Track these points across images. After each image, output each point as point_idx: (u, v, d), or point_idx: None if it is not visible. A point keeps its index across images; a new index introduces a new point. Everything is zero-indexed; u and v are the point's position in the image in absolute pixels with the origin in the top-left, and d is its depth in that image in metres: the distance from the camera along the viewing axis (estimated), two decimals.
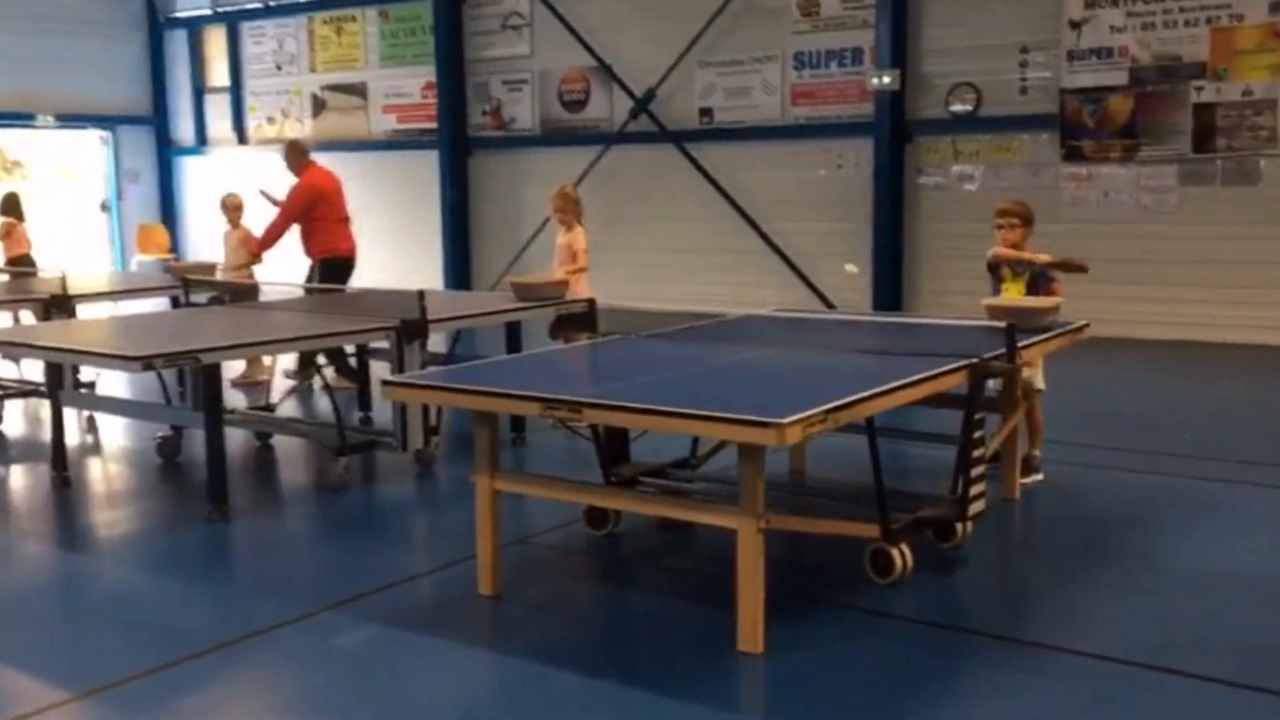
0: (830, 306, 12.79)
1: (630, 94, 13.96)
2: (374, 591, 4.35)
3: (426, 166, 15.77)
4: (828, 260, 12.84)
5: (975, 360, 4.35)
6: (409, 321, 5.70)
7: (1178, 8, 10.44)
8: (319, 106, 16.94)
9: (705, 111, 13.56)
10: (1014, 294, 5.93)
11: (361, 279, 14.99)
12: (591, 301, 6.96)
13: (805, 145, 12.90)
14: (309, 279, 8.62)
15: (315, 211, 8.63)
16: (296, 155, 8.96)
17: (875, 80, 11.98)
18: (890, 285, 12.34)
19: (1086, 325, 5.61)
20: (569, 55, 14.51)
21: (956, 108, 11.91)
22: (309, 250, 8.75)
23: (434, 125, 15.65)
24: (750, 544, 3.57)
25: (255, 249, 8.81)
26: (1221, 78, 10.31)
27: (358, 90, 16.54)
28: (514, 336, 6.76)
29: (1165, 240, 10.92)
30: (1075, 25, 10.98)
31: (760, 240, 13.20)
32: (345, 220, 8.95)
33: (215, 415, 5.20)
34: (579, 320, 7.04)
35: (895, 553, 4.11)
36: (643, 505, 4.09)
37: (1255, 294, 10.52)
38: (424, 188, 15.85)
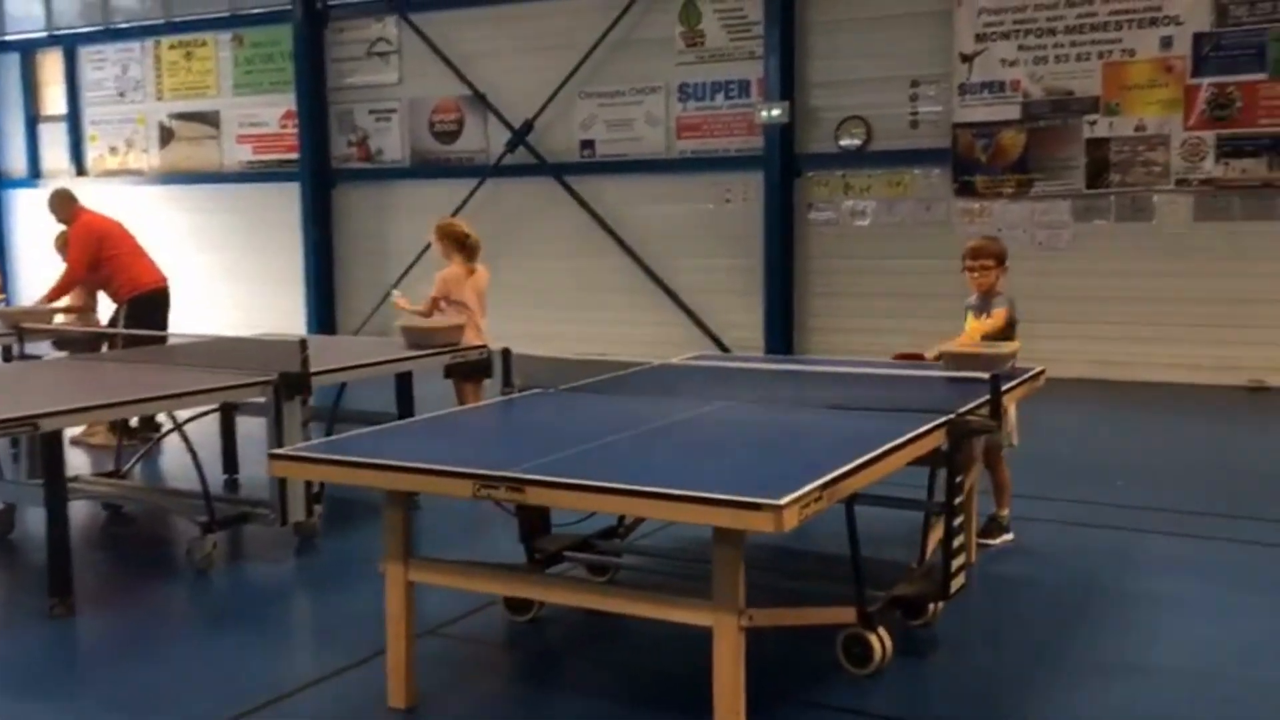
0: (722, 347, 12.33)
1: (507, 125, 13.32)
2: (258, 709, 3.57)
3: (286, 200, 14.78)
4: (717, 297, 12.41)
5: (955, 416, 3.84)
6: (289, 374, 4.92)
7: (1069, 42, 10.37)
8: (167, 136, 15.76)
9: (586, 144, 13.01)
10: (978, 333, 5.46)
11: (216, 323, 13.97)
12: (482, 348, 6.30)
13: (692, 179, 12.46)
14: (113, 323, 7.80)
15: (104, 251, 8.00)
16: (65, 203, 8.38)
17: (764, 113, 11.62)
18: (782, 323, 11.95)
19: (1043, 372, 5.18)
20: (441, 84, 13.79)
21: (846, 142, 11.64)
22: (114, 294, 8.09)
23: (294, 156, 14.69)
24: (730, 645, 2.98)
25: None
26: (1114, 113, 10.27)
27: (209, 119, 15.46)
28: (405, 389, 6.01)
29: (1059, 276, 10.80)
30: (966, 59, 10.83)
31: (646, 277, 12.68)
32: (142, 252, 8.17)
33: (57, 491, 4.32)
34: (475, 368, 6.37)
35: (874, 639, 3.56)
36: (597, 599, 3.42)
37: (1152, 330, 10.46)
38: (284, 223, 14.84)
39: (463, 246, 6.85)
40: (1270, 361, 10.01)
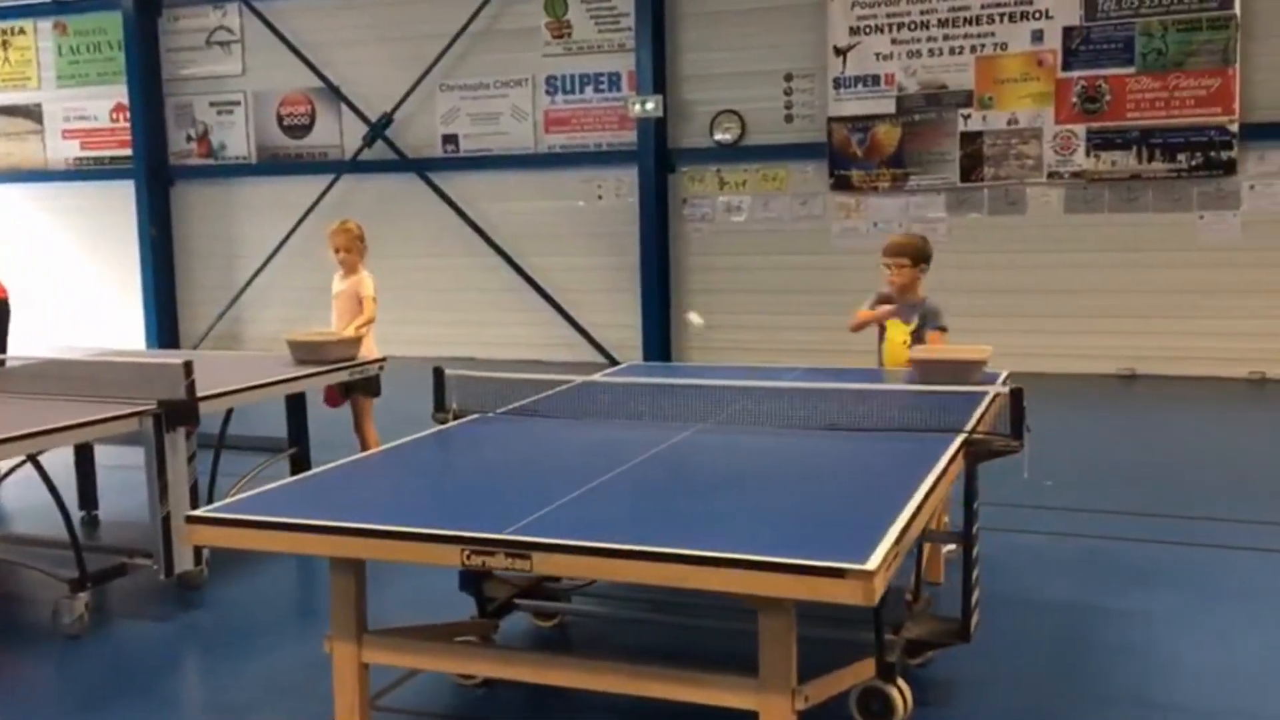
0: (598, 347, 11.97)
1: (364, 118, 12.62)
2: None
3: (120, 199, 13.71)
4: (592, 296, 12.03)
5: (972, 436, 3.49)
6: (172, 402, 4.31)
7: (943, 35, 10.37)
8: None
9: (449, 138, 12.43)
10: (901, 337, 5.24)
11: (44, 338, 12.83)
12: (383, 361, 5.76)
13: (562, 175, 12.03)
14: None
15: None
16: None
17: (638, 106, 11.28)
18: (659, 321, 11.65)
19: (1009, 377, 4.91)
20: (289, 75, 12.97)
21: (720, 136, 11.41)
22: None
23: (128, 152, 13.63)
24: None
25: None
26: (988, 106, 10.32)
27: (31, 113, 14.21)
28: (298, 412, 5.43)
29: (935, 270, 10.73)
30: (840, 52, 10.73)
31: (518, 277, 12.20)
32: None
33: None
34: (368, 386, 5.83)
35: (895, 693, 3.19)
36: (619, 680, 2.79)
37: (1025, 322, 10.55)
38: (118, 224, 13.77)
39: (363, 248, 6.30)
40: (1141, 350, 10.23)
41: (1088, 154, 10.09)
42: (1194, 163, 9.79)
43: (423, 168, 12.46)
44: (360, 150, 12.68)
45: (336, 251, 6.31)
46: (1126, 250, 10.17)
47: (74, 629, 4.27)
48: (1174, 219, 10.03)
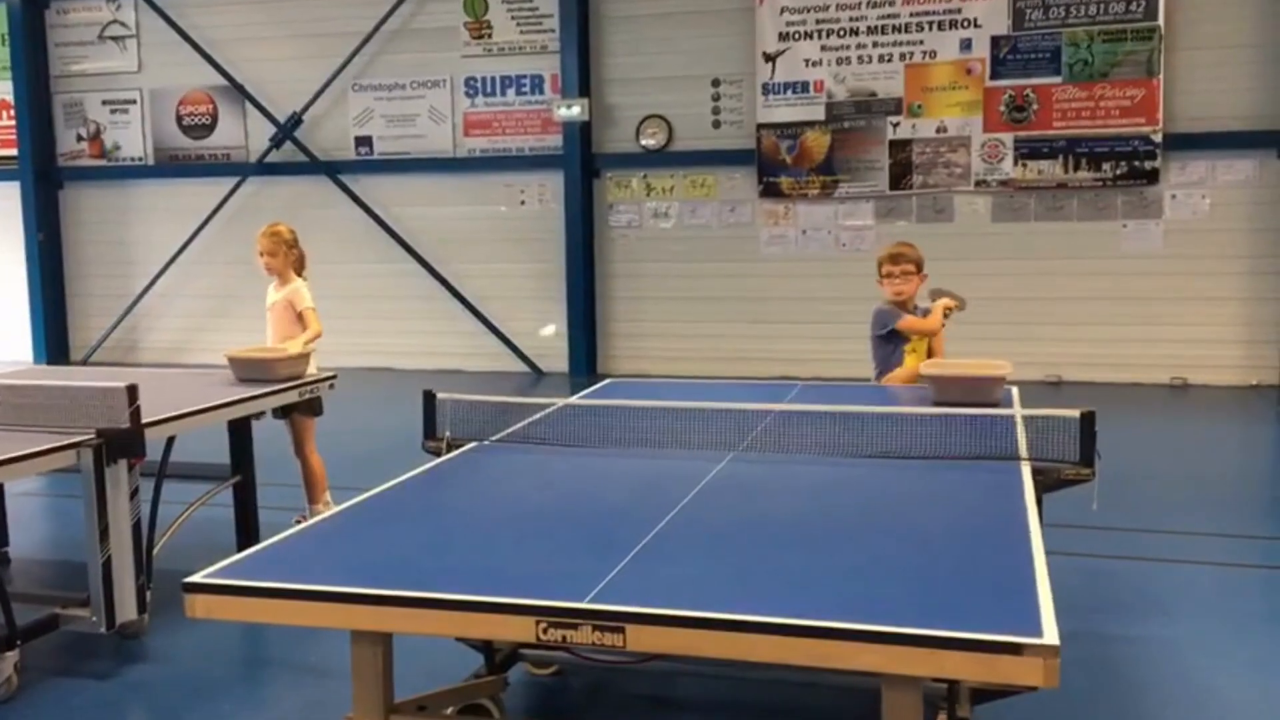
0: (522, 357, 11.64)
1: (271, 119, 12.05)
2: None
3: (2, 202, 12.88)
4: (514, 304, 11.70)
5: (1049, 465, 3.28)
6: (114, 431, 3.89)
7: (872, 43, 10.32)
8: None
9: (363, 140, 11.96)
10: (916, 359, 5.07)
11: None
12: (333, 378, 5.38)
13: (482, 179, 11.66)
14: None
15: None
16: None
17: (563, 110, 10.99)
18: (585, 330, 11.38)
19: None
20: (189, 73, 12.34)
21: (647, 141, 11.18)
22: None
23: (12, 152, 12.81)
24: None
25: None
26: (917, 114, 10.30)
27: None
28: (243, 436, 5.00)
29: (863, 278, 10.70)
30: (769, 58, 10.60)
31: (438, 284, 11.79)
32: None
33: None
34: (311, 405, 5.44)
35: None
36: None
37: (950, 330, 10.50)
38: (1, 228, 12.92)
39: (302, 263, 5.86)
40: (1065, 357, 10.33)
41: (1015, 162, 10.15)
42: (1118, 172, 9.92)
43: (335, 170, 11.97)
44: (268, 152, 12.12)
45: (261, 256, 5.87)
46: (1052, 258, 10.26)
47: (2, 693, 3.81)
48: (1098, 227, 10.14)
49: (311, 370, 5.38)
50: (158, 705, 3.85)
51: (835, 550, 2.55)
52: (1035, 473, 3.18)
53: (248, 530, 5.07)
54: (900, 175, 10.44)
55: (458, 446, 3.67)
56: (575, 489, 3.15)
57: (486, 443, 3.67)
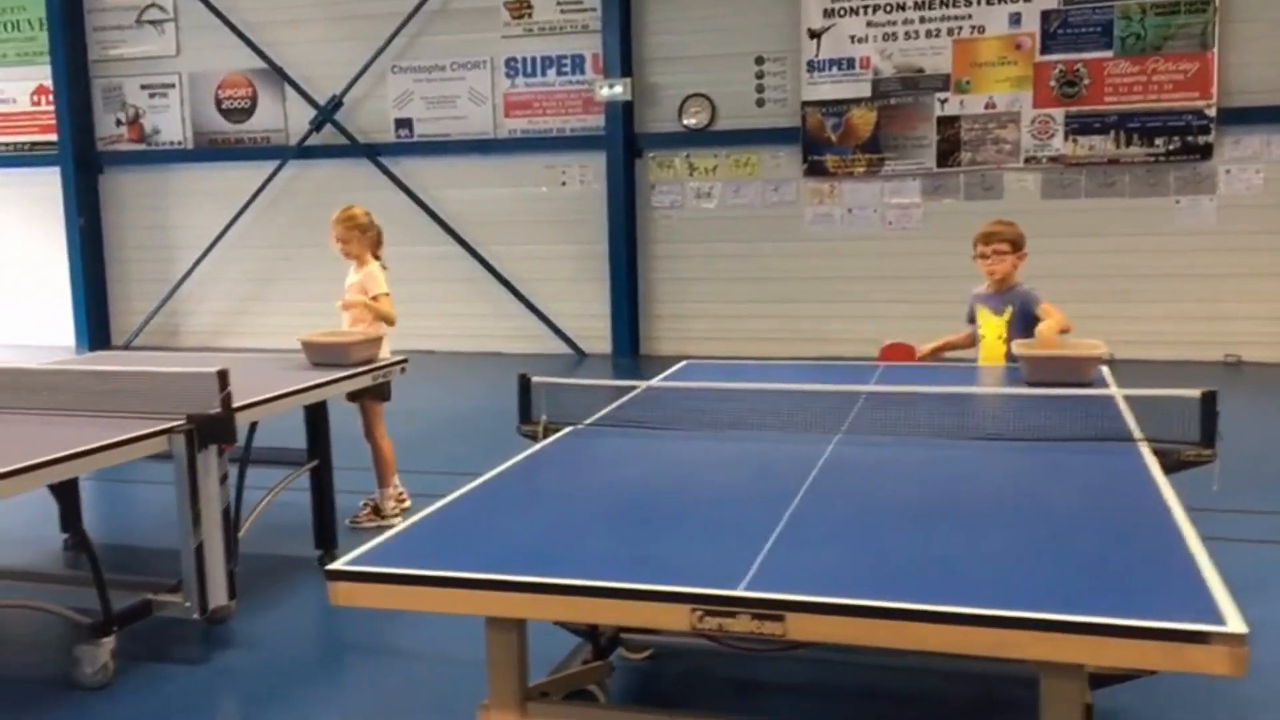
0: (564, 338, 11.61)
1: (311, 101, 12.02)
2: None
3: (43, 187, 12.90)
4: (555, 285, 11.66)
5: (1166, 446, 3.20)
6: (204, 417, 3.87)
7: (919, 18, 10.20)
8: None
9: (403, 123, 11.91)
10: (996, 332, 4.98)
11: None
12: (404, 362, 5.36)
13: (523, 161, 11.61)
14: None
15: None
16: None
17: (605, 90, 10.92)
18: (628, 311, 11.33)
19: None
20: (228, 56, 12.31)
21: (689, 121, 11.10)
22: None
23: (52, 138, 12.82)
24: None
25: None
26: (965, 90, 10.18)
27: None
28: (319, 420, 4.98)
29: (910, 257, 10.69)
30: (814, 35, 10.50)
31: (478, 266, 11.75)
32: None
33: None
34: (380, 389, 5.41)
35: None
36: None
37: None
38: (42, 213, 12.96)
39: (378, 244, 5.83)
40: (1117, 335, 10.12)
41: (1065, 138, 10.03)
42: (1171, 147, 9.79)
43: (375, 153, 11.93)
44: (308, 135, 12.09)
45: (336, 242, 5.85)
46: (1103, 235, 10.14)
47: (97, 680, 3.80)
48: (1151, 204, 10.02)
49: (384, 355, 5.35)
50: (252, 691, 3.84)
51: (980, 535, 2.50)
52: (1160, 456, 3.11)
53: (324, 514, 5.05)
54: (948, 152, 10.33)
55: (552, 430, 3.64)
56: (690, 474, 3.11)
57: (582, 426, 3.63)
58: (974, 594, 2.09)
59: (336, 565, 2.32)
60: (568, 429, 3.57)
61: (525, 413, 3.66)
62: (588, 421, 3.69)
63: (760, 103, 10.92)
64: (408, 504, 5.85)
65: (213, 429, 3.88)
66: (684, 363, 4.98)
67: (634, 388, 4.09)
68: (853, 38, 10.38)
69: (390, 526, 5.55)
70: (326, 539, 5.05)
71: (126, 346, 12.69)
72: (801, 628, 2.04)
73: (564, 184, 11.55)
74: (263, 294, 12.54)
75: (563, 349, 11.67)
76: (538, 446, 3.39)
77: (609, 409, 3.88)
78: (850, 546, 2.43)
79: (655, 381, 4.29)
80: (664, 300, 11.46)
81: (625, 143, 11.09)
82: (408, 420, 7.93)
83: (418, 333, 11.71)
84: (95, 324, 12.92)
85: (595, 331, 11.53)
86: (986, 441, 3.35)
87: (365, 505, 5.76)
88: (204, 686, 3.88)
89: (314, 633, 4.49)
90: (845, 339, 10.63)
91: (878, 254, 10.77)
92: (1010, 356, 4.71)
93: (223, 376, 3.91)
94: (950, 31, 10.14)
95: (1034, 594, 2.13)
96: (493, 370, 11.00)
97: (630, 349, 11.36)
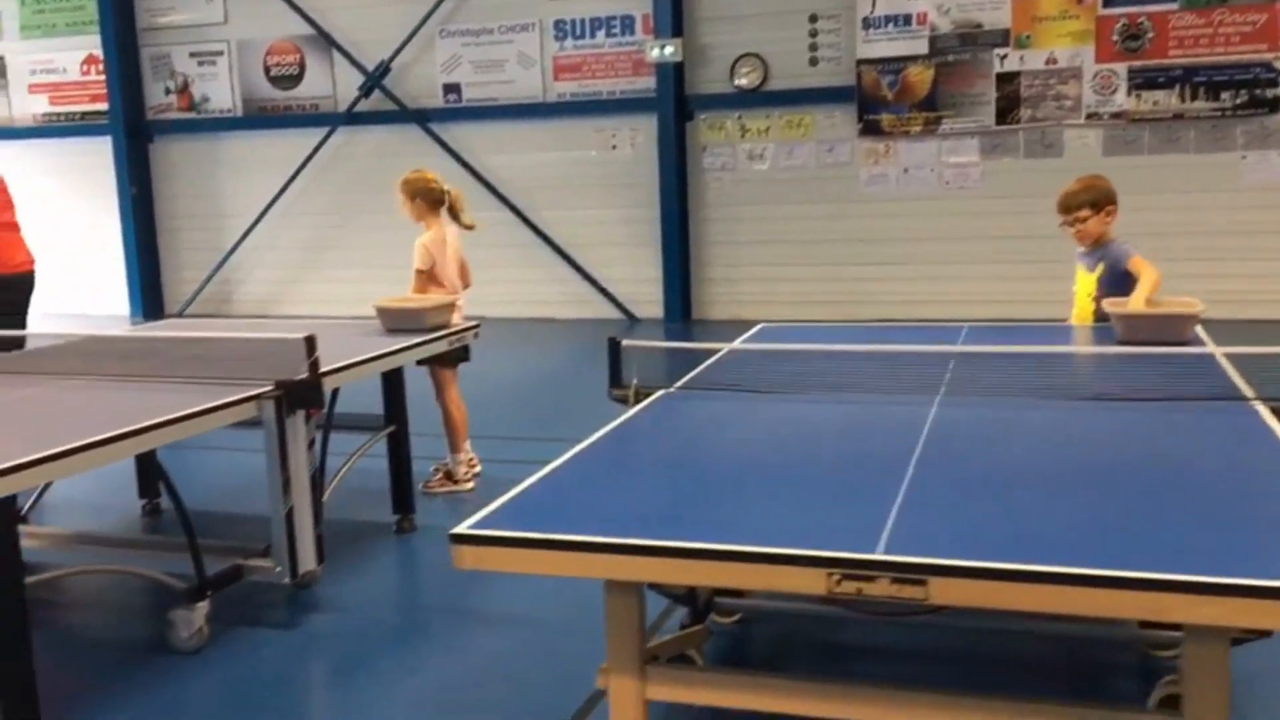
0: (615, 303, 11.56)
1: (359, 67, 11.98)
2: None
3: (94, 156, 12.97)
4: (606, 250, 11.60)
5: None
6: (293, 383, 3.86)
7: None
8: None
9: (451, 88, 11.85)
10: (1086, 289, 4.89)
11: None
12: (476, 327, 5.34)
13: (572, 124, 11.52)
14: None
15: None
16: None
17: (656, 51, 10.79)
18: (680, 275, 11.26)
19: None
20: (275, 23, 12.28)
21: (741, 81, 10.96)
22: None
23: (102, 107, 12.86)
24: None
25: None
26: (1025, 45, 9.98)
27: None
28: (396, 386, 4.97)
29: (968, 217, 10.53)
30: None
31: (528, 231, 11.71)
32: (12, 225, 6.46)
33: (11, 575, 3.18)
34: (451, 354, 5.38)
35: None
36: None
37: (1060, 268, 10.26)
38: (93, 182, 13.03)
39: (439, 204, 5.76)
40: (1182, 293, 10.00)
41: (1129, 94, 9.81)
42: (1238, 101, 9.55)
43: (423, 119, 11.88)
44: (356, 101, 12.06)
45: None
46: (1167, 191, 9.93)
47: (192, 644, 3.82)
48: (1216, 159, 9.80)
49: (456, 320, 5.33)
50: (345, 655, 3.85)
51: (1111, 496, 2.44)
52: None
53: (401, 480, 5.05)
54: (1007, 109, 10.14)
55: (643, 394, 3.59)
56: (797, 436, 3.06)
57: (673, 391, 3.59)
58: (1118, 557, 2.03)
59: (460, 529, 2.30)
60: (659, 392, 3.52)
61: (615, 377, 3.62)
62: (678, 385, 3.64)
63: (814, 61, 10.76)
64: (478, 469, 5.84)
65: (301, 394, 3.87)
66: (760, 325, 4.91)
67: (718, 350, 4.03)
68: None
69: (462, 492, 5.65)
70: (403, 504, 5.05)
71: (180, 315, 12.78)
72: (944, 592, 1.99)
73: (614, 147, 11.46)
74: (314, 261, 12.57)
75: (614, 314, 11.63)
76: (635, 410, 3.34)
77: (696, 372, 3.84)
78: (981, 508, 2.38)
79: (739, 344, 4.23)
80: (716, 264, 11.37)
81: (676, 105, 10.97)
82: (466, 386, 7.95)
83: (468, 298, 11.72)
84: (148, 293, 13.01)
85: (646, 296, 11.47)
86: (1093, 402, 3.28)
87: (437, 471, 5.76)
88: (297, 651, 3.89)
89: (399, 597, 4.51)
90: (902, 301, 10.55)
91: (935, 214, 10.62)
92: (1100, 315, 4.61)
93: (310, 342, 3.90)
94: None
95: (1179, 556, 2.06)
96: (546, 336, 10.99)
97: (682, 313, 11.30)
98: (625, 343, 3.65)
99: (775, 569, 2.08)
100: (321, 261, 12.53)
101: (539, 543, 2.23)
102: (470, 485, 5.72)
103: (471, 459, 5.81)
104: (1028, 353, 3.75)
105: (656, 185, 11.16)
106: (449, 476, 5.71)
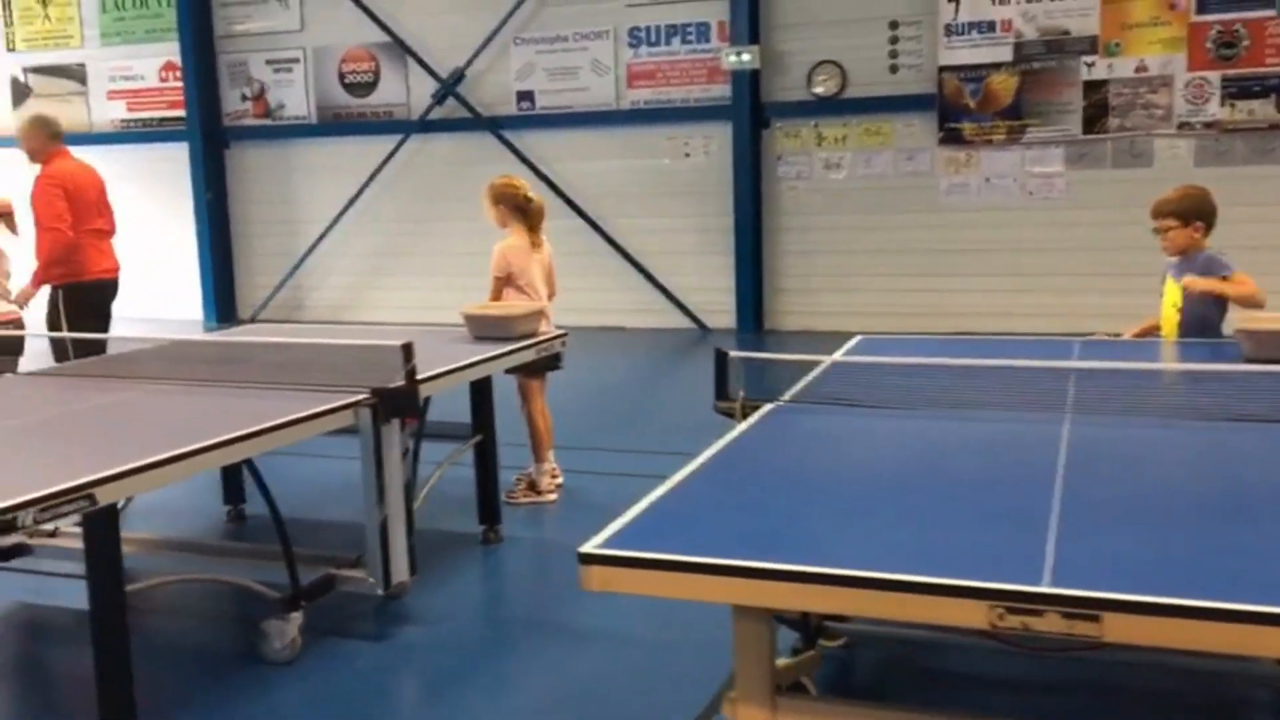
0: (687, 313, 11.44)
1: (434, 75, 11.99)
2: None
3: (170, 162, 13.10)
4: (677, 259, 11.48)
5: None
6: (388, 390, 3.78)
7: None
8: (21, 93, 13.79)
9: (524, 95, 11.81)
10: (1171, 299, 4.72)
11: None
12: (564, 336, 5.24)
13: (646, 132, 11.43)
14: (52, 316, 6.22)
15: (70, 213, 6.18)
16: (43, 135, 6.40)
17: (733, 58, 10.67)
18: (753, 285, 11.11)
19: None
20: (351, 30, 12.33)
21: (818, 89, 10.80)
22: (38, 273, 6.21)
23: (180, 113, 13.00)
24: None
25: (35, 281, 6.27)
26: (1114, 53, 9.72)
27: (73, 73, 13.56)
28: (484, 395, 4.89)
29: (1052, 228, 10.28)
30: None
31: (600, 239, 11.63)
32: (104, 232, 6.50)
33: (113, 585, 3.12)
34: (548, 363, 5.28)
35: None
36: None
37: (1146, 281, 9.98)
38: (171, 189, 13.16)
39: (525, 212, 5.66)
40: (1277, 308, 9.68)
41: (1222, 103, 9.51)
42: None
43: (496, 126, 11.86)
44: (430, 108, 12.07)
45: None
46: (1261, 204, 9.59)
47: (285, 655, 3.75)
48: None
49: (545, 328, 5.24)
50: (439, 668, 3.76)
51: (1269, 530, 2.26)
52: None
53: (487, 490, 4.96)
54: (1094, 118, 9.88)
55: (749, 407, 3.46)
56: (925, 454, 2.91)
57: (782, 404, 3.45)
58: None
59: (588, 548, 2.18)
60: (768, 406, 3.39)
61: (721, 389, 3.49)
62: (786, 397, 3.50)
63: (894, 69, 10.57)
64: (561, 480, 5.75)
65: (397, 403, 3.79)
66: (858, 338, 4.76)
67: (818, 362, 3.90)
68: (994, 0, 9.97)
69: (545, 503, 5.55)
70: (490, 514, 4.96)
71: (253, 320, 12.86)
72: (1120, 629, 1.84)
73: (687, 155, 11.35)
74: (386, 268, 12.60)
75: (685, 323, 11.51)
76: (747, 424, 3.21)
77: (800, 385, 3.70)
78: (1142, 537, 2.22)
79: (846, 356, 4.09)
80: (789, 274, 11.21)
81: (751, 112, 10.84)
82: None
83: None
84: (221, 298, 13.12)
85: (719, 306, 11.34)
86: (1232, 423, 3.09)
87: (520, 480, 5.67)
88: (390, 664, 3.81)
89: (489, 610, 4.42)
90: (982, 313, 10.31)
91: (1017, 225, 10.38)
92: (1186, 327, 4.49)
93: (408, 349, 3.83)
94: None
95: None
96: (617, 345, 10.89)
97: (755, 324, 11.15)
98: (733, 354, 3.51)
99: (933, 600, 1.94)
100: (393, 268, 12.55)
101: (672, 564, 2.10)
102: (554, 496, 5.63)
103: (554, 469, 5.71)
104: (1156, 369, 3.56)
105: (730, 193, 11.04)
106: (532, 487, 5.62)
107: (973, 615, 1.91)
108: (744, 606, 2.25)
